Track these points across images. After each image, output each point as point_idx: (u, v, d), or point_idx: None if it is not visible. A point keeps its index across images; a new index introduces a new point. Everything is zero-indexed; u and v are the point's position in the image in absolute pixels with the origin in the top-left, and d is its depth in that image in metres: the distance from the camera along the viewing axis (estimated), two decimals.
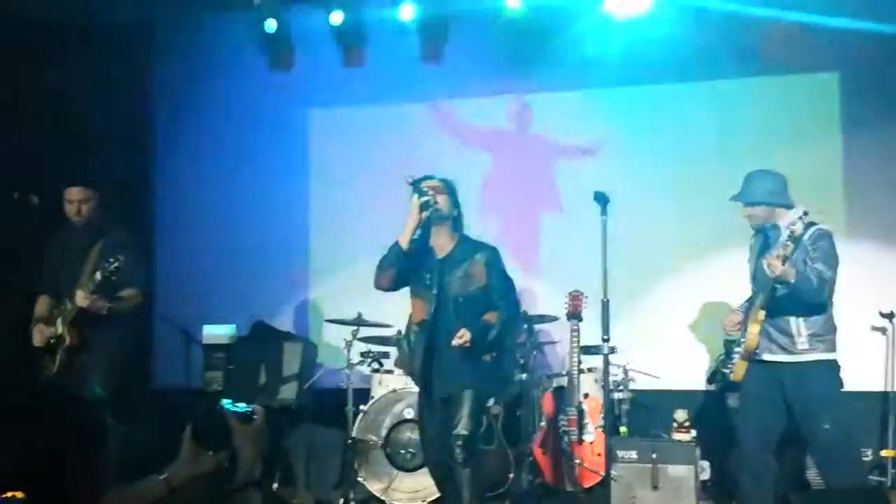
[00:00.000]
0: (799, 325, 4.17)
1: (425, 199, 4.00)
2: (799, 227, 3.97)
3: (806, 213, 4.08)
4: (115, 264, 4.51)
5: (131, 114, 6.89)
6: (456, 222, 4.16)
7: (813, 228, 4.14)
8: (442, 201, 4.07)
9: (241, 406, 2.38)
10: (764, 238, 4.38)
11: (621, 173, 6.20)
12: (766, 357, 4.25)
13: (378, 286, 4.17)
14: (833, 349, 4.23)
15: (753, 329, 4.18)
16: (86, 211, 4.88)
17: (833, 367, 4.23)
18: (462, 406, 3.95)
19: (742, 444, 4.34)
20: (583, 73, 6.22)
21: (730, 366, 4.36)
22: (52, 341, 4.70)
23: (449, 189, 4.15)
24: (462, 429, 3.93)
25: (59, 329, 4.68)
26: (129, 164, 6.82)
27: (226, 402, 2.39)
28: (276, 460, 5.61)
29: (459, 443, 3.91)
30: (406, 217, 4.10)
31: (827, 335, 4.21)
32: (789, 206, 4.27)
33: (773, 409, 4.26)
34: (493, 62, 6.43)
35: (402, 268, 4.08)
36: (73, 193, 4.88)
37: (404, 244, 4.03)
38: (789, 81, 5.97)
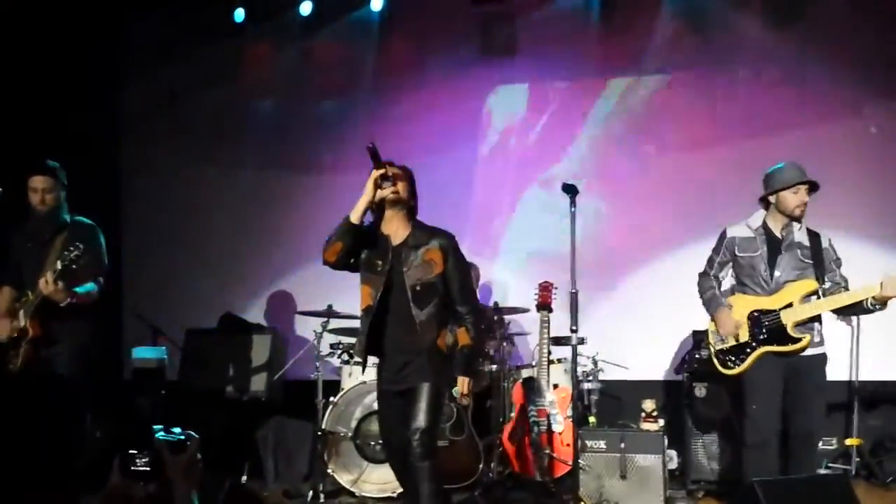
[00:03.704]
0: (816, 323, 4.36)
1: (382, 171, 3.79)
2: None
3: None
4: (76, 252, 4.46)
5: (100, 109, 6.83)
6: (412, 211, 4.00)
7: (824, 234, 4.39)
8: (402, 188, 3.91)
9: (175, 433, 2.30)
10: (768, 240, 4.42)
11: (591, 164, 6.25)
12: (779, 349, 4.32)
13: (324, 259, 3.92)
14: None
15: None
16: (49, 200, 4.81)
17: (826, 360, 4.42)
18: (420, 398, 3.78)
19: (754, 420, 4.32)
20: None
21: (736, 362, 4.38)
22: (15, 334, 4.63)
23: (408, 176, 3.98)
24: (419, 422, 3.73)
25: (22, 322, 4.61)
26: (97, 159, 6.75)
27: (157, 431, 2.31)
28: (246, 452, 5.59)
29: (416, 437, 3.71)
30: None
31: (821, 331, 4.40)
32: None
33: (778, 393, 4.33)
34: (463, 50, 6.44)
35: (350, 244, 3.88)
36: (38, 181, 4.80)
37: (354, 218, 3.84)
38: (757, 72, 6.01)
